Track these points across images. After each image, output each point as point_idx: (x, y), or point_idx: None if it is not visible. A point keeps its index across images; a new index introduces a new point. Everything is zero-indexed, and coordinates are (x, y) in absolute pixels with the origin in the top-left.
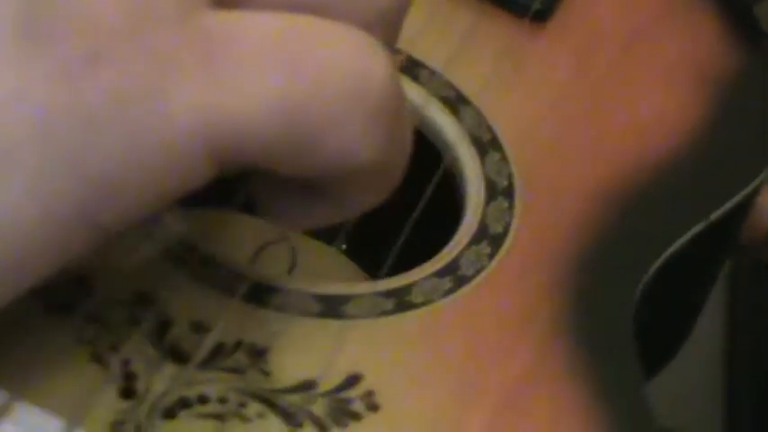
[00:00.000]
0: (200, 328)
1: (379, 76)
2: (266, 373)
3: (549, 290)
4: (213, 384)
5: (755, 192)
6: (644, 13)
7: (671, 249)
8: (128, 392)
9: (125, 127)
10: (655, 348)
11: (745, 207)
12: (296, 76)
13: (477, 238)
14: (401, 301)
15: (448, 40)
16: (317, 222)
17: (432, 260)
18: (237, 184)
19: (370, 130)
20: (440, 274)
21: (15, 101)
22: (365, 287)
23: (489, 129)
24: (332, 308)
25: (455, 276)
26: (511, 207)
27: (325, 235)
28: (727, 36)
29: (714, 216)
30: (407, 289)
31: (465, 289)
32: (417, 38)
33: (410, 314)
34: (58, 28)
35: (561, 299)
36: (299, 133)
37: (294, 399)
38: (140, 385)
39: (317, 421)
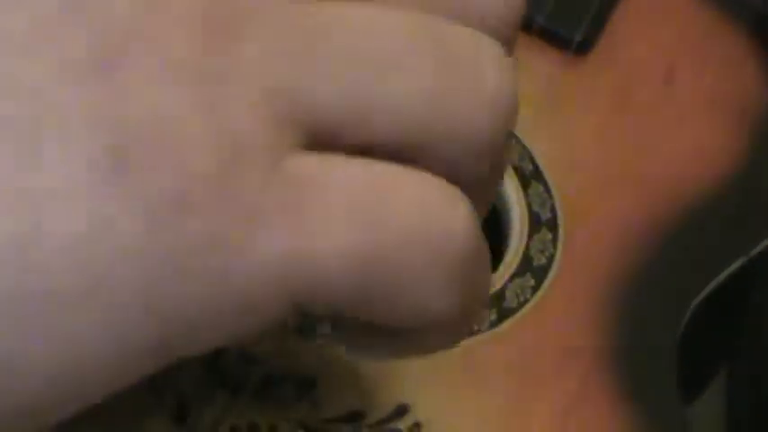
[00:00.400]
0: (249, 358)
1: (459, 235)
2: (315, 404)
3: (592, 322)
4: (263, 414)
5: None
6: (684, 45)
7: (712, 284)
8: (180, 419)
9: (205, 275)
10: (695, 375)
11: None
12: (376, 231)
13: (521, 271)
14: None
15: None
16: (393, 357)
17: None
18: None
19: (446, 287)
20: None
21: (99, 236)
22: None
23: (532, 160)
24: None
25: (500, 309)
26: (554, 239)
27: None
28: (764, 63)
29: (753, 252)
30: None
31: (509, 321)
32: None
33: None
34: (148, 166)
35: (604, 330)
36: (375, 286)
37: (342, 429)
38: (192, 412)
39: None
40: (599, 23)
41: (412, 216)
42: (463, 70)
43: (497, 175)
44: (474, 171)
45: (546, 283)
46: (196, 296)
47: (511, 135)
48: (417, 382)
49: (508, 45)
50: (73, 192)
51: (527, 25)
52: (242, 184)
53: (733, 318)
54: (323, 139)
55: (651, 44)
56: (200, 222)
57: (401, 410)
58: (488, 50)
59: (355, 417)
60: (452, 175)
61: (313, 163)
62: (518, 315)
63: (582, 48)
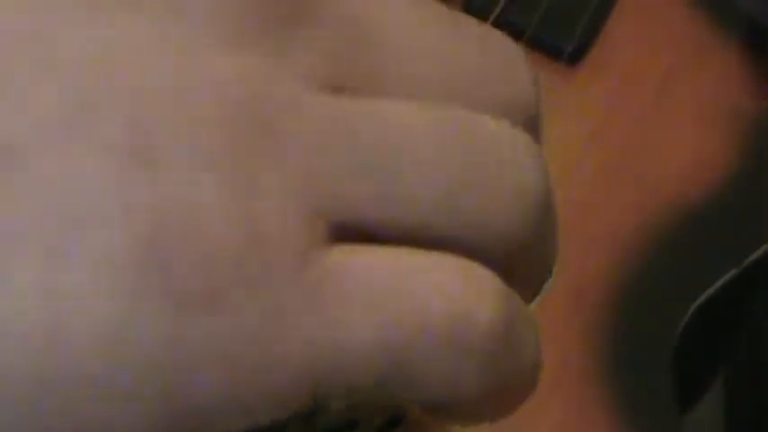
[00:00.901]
0: None
1: (482, 321)
2: None
3: (584, 336)
4: None
5: None
6: (675, 54)
7: (707, 293)
8: None
9: (229, 369)
10: (692, 383)
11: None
12: (399, 321)
13: None
14: None
15: None
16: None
17: None
18: None
19: (473, 373)
20: None
21: (125, 331)
22: None
23: None
24: None
25: None
26: None
27: None
28: (758, 76)
29: (748, 261)
30: None
31: None
32: None
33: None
34: (176, 262)
35: (596, 344)
36: (399, 372)
37: None
38: None
39: None
40: (591, 33)
41: (433, 307)
42: (492, 167)
43: (540, 268)
44: (509, 262)
45: (540, 293)
46: (219, 390)
47: (550, 229)
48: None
49: (536, 131)
50: (102, 284)
51: (518, 34)
52: (270, 280)
53: (729, 325)
54: (348, 230)
55: (644, 52)
56: (226, 318)
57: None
58: (518, 144)
59: None
60: (487, 264)
61: (338, 256)
62: None
63: (574, 57)
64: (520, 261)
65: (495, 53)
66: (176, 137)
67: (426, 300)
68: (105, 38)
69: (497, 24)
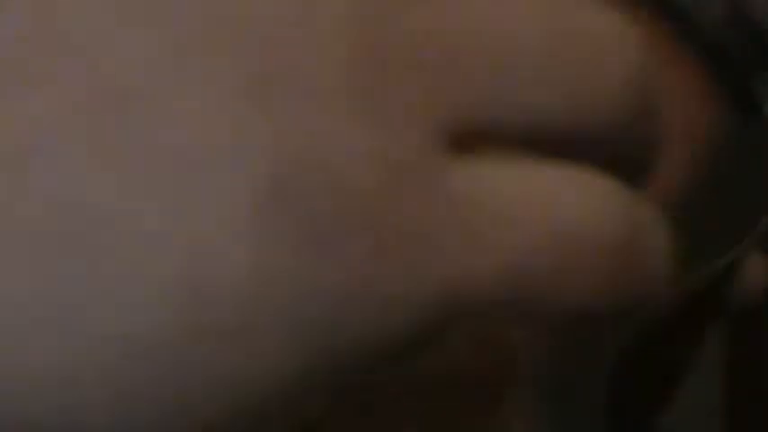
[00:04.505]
0: None
1: (610, 235)
2: None
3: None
4: None
5: (740, 261)
6: None
7: (657, 311)
8: None
9: (372, 306)
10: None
11: (731, 274)
12: (534, 241)
13: None
14: None
15: None
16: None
17: None
18: None
19: (606, 286)
20: None
21: (265, 269)
22: None
23: None
24: None
25: None
26: None
27: None
28: (715, 94)
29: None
30: None
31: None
32: None
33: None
34: (307, 190)
35: (528, 360)
36: (533, 294)
37: None
38: None
39: None
40: None
41: (572, 223)
42: (593, 56)
43: (650, 148)
44: (623, 149)
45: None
46: (364, 330)
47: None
48: None
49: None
50: (233, 227)
51: None
52: (404, 202)
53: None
54: (469, 142)
55: None
56: (362, 245)
57: None
58: (616, 29)
59: None
60: (599, 157)
61: (470, 173)
62: None
63: None
64: (631, 145)
65: None
66: (293, 70)
67: (559, 220)
68: None
69: None
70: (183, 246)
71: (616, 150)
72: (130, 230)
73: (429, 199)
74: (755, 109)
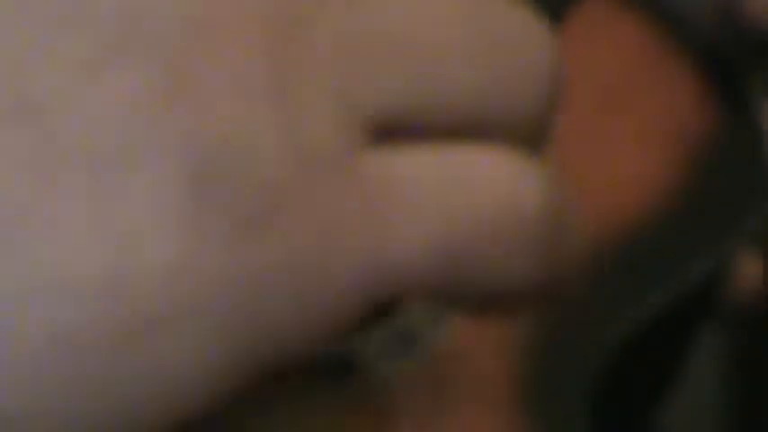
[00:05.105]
0: None
1: (533, 206)
2: None
3: (503, 353)
4: None
5: (731, 259)
6: (615, 69)
7: (638, 313)
8: None
9: (290, 291)
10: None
11: (720, 274)
12: (452, 220)
13: None
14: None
15: None
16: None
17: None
18: None
19: (526, 258)
20: None
21: (187, 261)
22: None
23: None
24: None
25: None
26: None
27: None
28: (704, 94)
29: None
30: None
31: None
32: None
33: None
34: (226, 185)
35: (516, 363)
36: (456, 273)
37: None
38: None
39: None
40: None
41: (488, 200)
42: (511, 47)
43: (546, 135)
44: (531, 131)
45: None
46: (284, 314)
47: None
48: None
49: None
50: (159, 222)
51: None
52: (319, 194)
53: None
54: (384, 128)
55: (579, 68)
56: (283, 236)
57: None
58: (529, 22)
59: None
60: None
61: (383, 160)
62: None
63: None
64: (535, 134)
65: None
66: (208, 65)
67: (475, 194)
68: None
69: None
70: (109, 243)
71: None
72: (54, 230)
73: (342, 184)
74: (745, 108)
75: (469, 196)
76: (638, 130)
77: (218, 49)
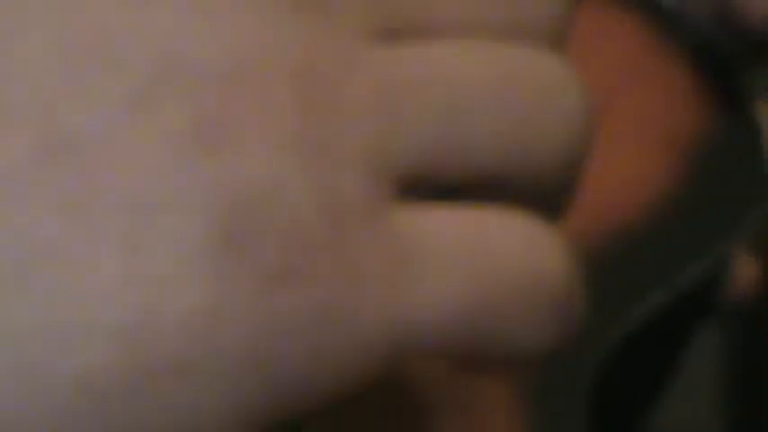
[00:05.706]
0: None
1: (560, 276)
2: None
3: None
4: None
5: (729, 259)
6: (614, 71)
7: (636, 313)
8: None
9: (318, 342)
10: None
11: (719, 273)
12: (479, 279)
13: None
14: None
15: None
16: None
17: None
18: None
19: (548, 325)
20: None
21: (212, 313)
22: None
23: None
24: None
25: None
26: None
27: None
28: (702, 94)
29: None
30: None
31: None
32: None
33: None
34: (254, 240)
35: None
36: (477, 333)
37: None
38: None
39: None
40: None
41: (515, 264)
42: (537, 103)
43: (574, 191)
44: (558, 190)
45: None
46: (308, 364)
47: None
48: None
49: (561, 40)
50: (187, 267)
51: None
52: (348, 247)
53: (658, 365)
54: (410, 183)
55: (584, 68)
56: (309, 291)
57: None
58: (558, 71)
59: None
60: (539, 199)
61: (410, 215)
62: None
63: None
64: (558, 189)
65: None
66: (239, 115)
67: (508, 259)
68: (155, 28)
69: None
70: (138, 287)
71: (541, 192)
72: (85, 272)
73: (371, 238)
74: (744, 108)
75: (494, 258)
76: (636, 131)
77: (249, 98)
